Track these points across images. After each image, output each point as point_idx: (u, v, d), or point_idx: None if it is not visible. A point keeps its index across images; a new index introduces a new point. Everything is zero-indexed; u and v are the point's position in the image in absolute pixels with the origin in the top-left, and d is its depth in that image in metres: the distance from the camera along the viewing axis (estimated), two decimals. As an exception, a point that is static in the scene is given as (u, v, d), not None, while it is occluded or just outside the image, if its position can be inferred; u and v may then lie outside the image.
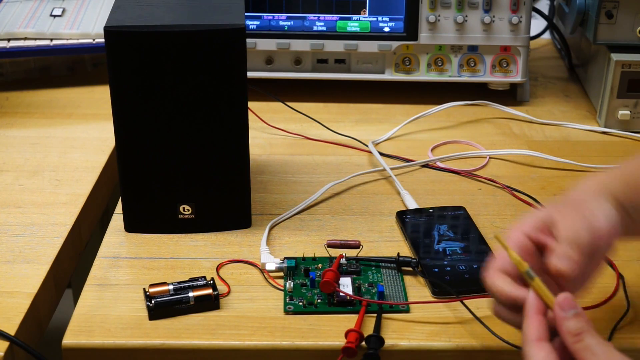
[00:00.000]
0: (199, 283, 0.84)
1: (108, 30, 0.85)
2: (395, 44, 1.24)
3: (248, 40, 1.21)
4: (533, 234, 0.70)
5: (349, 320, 0.80)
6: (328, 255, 0.89)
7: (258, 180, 1.05)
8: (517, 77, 1.27)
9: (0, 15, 1.34)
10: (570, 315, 0.63)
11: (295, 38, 1.25)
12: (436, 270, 0.87)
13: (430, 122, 1.22)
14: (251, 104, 0.94)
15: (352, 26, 1.24)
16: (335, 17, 1.24)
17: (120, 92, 0.88)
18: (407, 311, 0.82)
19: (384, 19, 1.24)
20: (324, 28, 1.25)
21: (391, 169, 1.07)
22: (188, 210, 0.93)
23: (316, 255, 0.90)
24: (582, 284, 0.71)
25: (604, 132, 1.20)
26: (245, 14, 1.13)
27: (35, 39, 1.30)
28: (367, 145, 1.14)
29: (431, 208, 0.98)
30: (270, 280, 0.86)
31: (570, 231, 0.69)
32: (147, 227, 0.94)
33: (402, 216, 0.97)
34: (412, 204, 0.99)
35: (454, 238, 0.92)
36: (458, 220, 0.96)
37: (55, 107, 1.26)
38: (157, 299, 0.81)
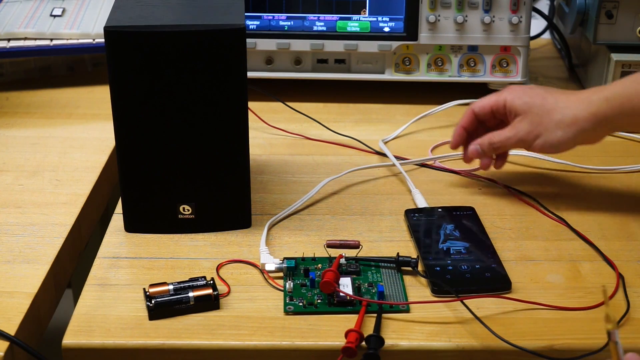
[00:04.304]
0: (199, 283, 0.84)
1: (108, 30, 0.85)
2: (395, 44, 1.24)
3: (248, 40, 1.21)
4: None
5: (349, 320, 0.80)
6: (328, 256, 0.89)
7: (258, 180, 1.05)
8: (517, 77, 1.27)
9: (0, 15, 1.34)
10: None
11: (295, 38, 1.25)
12: (438, 269, 0.87)
13: (430, 122, 1.22)
14: (251, 104, 0.94)
15: (352, 26, 1.24)
16: (335, 17, 1.24)
17: (120, 92, 0.88)
18: (407, 311, 0.82)
19: (384, 19, 1.24)
20: (324, 28, 1.25)
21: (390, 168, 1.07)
22: (188, 210, 0.93)
23: (316, 256, 0.90)
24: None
25: (604, 132, 1.20)
26: (245, 14, 1.13)
27: (35, 39, 1.30)
28: (367, 145, 1.14)
29: (440, 207, 0.98)
30: (270, 281, 0.86)
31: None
32: (147, 227, 0.94)
33: (411, 214, 0.96)
34: (422, 203, 0.99)
35: (459, 238, 0.92)
36: (466, 220, 0.96)
37: (55, 107, 1.26)
38: (157, 299, 0.81)
